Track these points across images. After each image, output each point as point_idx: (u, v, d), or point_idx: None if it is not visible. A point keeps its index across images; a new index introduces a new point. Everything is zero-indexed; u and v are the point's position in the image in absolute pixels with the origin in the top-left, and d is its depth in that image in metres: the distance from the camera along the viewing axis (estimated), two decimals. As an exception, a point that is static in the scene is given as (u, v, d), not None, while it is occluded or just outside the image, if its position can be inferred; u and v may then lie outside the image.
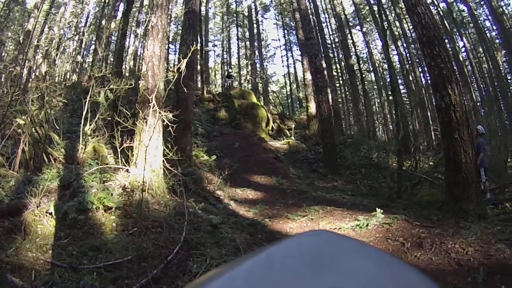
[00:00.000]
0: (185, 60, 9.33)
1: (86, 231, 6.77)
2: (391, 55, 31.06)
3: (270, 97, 42.24)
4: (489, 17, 31.10)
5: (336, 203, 11.38)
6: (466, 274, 6.12)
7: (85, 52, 35.86)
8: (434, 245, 7.30)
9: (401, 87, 34.66)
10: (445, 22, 32.26)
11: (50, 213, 6.85)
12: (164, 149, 9.41)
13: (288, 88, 51.58)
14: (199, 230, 7.64)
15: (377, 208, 9.05)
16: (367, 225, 8.73)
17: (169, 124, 8.83)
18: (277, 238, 6.06)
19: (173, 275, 5.83)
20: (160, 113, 8.95)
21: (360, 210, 10.27)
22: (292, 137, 23.31)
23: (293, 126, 25.80)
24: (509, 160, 18.79)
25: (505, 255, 6.39)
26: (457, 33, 33.57)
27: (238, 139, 19.98)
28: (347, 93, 39.84)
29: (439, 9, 32.29)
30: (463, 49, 33.78)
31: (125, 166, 9.01)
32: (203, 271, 5.74)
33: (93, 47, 31.63)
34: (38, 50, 23.32)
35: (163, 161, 9.28)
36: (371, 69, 39.30)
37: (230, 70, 18.29)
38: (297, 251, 0.68)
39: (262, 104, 29.38)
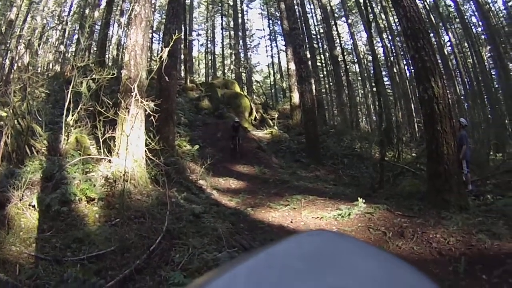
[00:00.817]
0: (167, 49, 9.28)
1: (69, 223, 6.73)
2: (375, 47, 31.31)
3: (254, 87, 42.11)
4: (476, 13, 31.31)
5: (318, 192, 11.49)
6: (447, 264, 6.21)
7: (68, 42, 35.44)
8: (415, 234, 7.38)
9: (385, 79, 34.89)
10: (431, 16, 32.47)
11: (33, 206, 6.80)
12: (146, 139, 9.37)
13: (272, 78, 51.58)
14: (182, 220, 7.63)
15: (359, 198, 9.15)
16: (349, 214, 8.83)
17: (151, 113, 8.78)
18: (260, 227, 6.10)
19: (156, 265, 5.81)
20: (142, 102, 8.89)
21: (342, 199, 10.36)
22: (275, 127, 23.37)
23: (276, 116, 25.80)
24: (491, 153, 19.01)
25: (486, 245, 6.46)
26: (443, 28, 33.79)
27: (221, 129, 19.97)
28: (331, 83, 39.95)
29: (425, 3, 32.44)
30: (448, 44, 34.11)
31: (107, 156, 8.93)
32: (186, 261, 5.74)
33: (76, 36, 31.28)
34: (20, 40, 23.04)
35: (146, 151, 9.24)
36: (356, 60, 39.40)
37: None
38: (298, 251, 0.68)
39: (245, 93, 29.25)
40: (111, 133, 9.13)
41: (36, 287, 4.98)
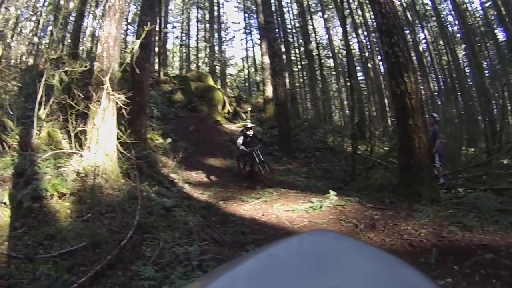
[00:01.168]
0: (139, 41, 9.24)
1: (41, 220, 6.67)
2: (351, 42, 31.76)
3: (228, 80, 42.04)
4: (452, 12, 31.89)
5: (290, 185, 11.64)
6: (419, 255, 6.31)
7: (42, 33, 34.81)
8: (387, 226, 7.54)
9: (359, 74, 35.45)
10: (408, 13, 33.06)
11: (5, 203, 6.73)
12: (118, 132, 9.29)
13: (246, 71, 51.48)
14: (153, 214, 7.63)
15: (330, 191, 9.31)
16: (320, 207, 8.97)
17: (123, 106, 8.70)
18: (231, 220, 6.16)
19: (127, 260, 5.78)
20: (113, 95, 8.80)
21: (314, 192, 10.48)
22: (248, 120, 23.36)
23: (250, 109, 25.79)
24: (463, 147, 19.42)
25: (457, 237, 6.63)
26: (419, 25, 34.32)
27: (194, 122, 19.80)
28: (305, 77, 40.11)
29: (403, 0, 32.92)
30: (424, 41, 34.73)
31: (79, 150, 8.84)
32: (157, 255, 5.72)
33: (50, 27, 30.72)
34: (-7, 32, 22.55)
35: (117, 145, 9.17)
36: (331, 55, 39.57)
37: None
38: (299, 251, 0.69)
39: (219, 87, 29.18)
40: (83, 127, 9.03)
41: (9, 286, 4.93)
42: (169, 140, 15.61)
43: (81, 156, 8.72)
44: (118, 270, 5.51)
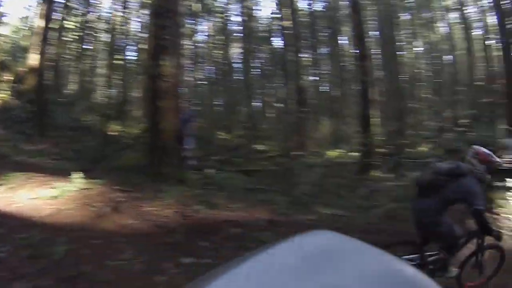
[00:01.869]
0: None
1: None
2: (132, 21, 34.70)
3: (-3, 41, 38.44)
4: (240, 14, 35.67)
5: (39, 168, 10.87)
6: (166, 235, 6.47)
7: None
8: (131, 209, 7.63)
9: (133, 53, 36.79)
10: (196, 5, 34.98)
11: None
12: None
13: (22, 34, 47.53)
14: None
15: (78, 174, 9.00)
16: (65, 192, 8.58)
17: None
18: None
19: None
20: None
21: (62, 175, 9.84)
22: (7, 92, 21.52)
23: (13, 79, 23.82)
24: (220, 133, 20.91)
25: (203, 215, 7.14)
26: (204, 18, 36.85)
27: None
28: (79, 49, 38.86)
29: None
30: (206, 33, 37.44)
31: None
32: None
33: None
34: None
35: None
36: (107, 29, 38.91)
37: None
38: (299, 251, 0.72)
39: (-17, 48, 26.36)
40: None
41: None
42: None
43: None
44: None
